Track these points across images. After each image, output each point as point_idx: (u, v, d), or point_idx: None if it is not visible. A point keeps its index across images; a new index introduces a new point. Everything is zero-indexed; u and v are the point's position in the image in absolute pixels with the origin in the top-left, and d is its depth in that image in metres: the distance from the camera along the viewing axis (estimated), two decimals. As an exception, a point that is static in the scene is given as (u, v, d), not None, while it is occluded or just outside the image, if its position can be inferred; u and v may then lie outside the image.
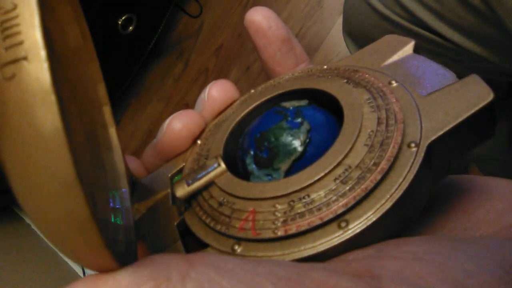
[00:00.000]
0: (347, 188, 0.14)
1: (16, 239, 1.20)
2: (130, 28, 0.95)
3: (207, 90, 0.20)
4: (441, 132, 0.15)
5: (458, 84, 0.16)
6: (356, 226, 0.14)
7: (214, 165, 0.18)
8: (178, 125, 0.19)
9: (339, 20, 0.96)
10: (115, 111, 1.21)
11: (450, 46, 0.41)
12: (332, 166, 0.15)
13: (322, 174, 0.15)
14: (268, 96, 0.20)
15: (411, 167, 0.14)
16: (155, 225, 0.19)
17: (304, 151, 0.17)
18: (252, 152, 0.18)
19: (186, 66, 1.16)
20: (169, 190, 0.19)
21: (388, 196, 0.14)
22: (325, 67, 0.21)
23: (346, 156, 0.15)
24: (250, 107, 0.20)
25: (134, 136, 1.22)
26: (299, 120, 0.18)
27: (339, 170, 0.15)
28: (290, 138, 0.17)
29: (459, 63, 0.43)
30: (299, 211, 0.15)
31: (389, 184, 0.14)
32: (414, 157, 0.14)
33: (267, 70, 0.21)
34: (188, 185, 0.17)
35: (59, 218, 0.09)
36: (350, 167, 0.15)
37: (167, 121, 0.20)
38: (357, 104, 0.17)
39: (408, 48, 0.20)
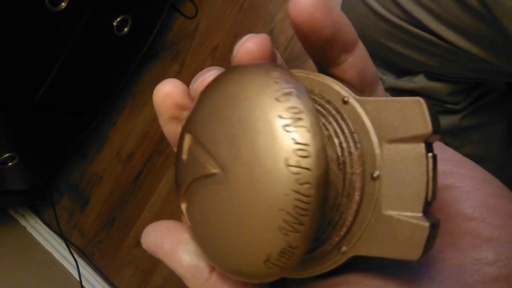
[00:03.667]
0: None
1: (12, 241, 1.19)
2: (125, 29, 0.94)
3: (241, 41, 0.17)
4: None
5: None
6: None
7: None
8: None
9: (335, 21, 0.95)
10: (111, 112, 1.20)
11: (447, 46, 0.40)
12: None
13: None
14: None
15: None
16: None
17: None
18: None
19: (181, 67, 1.15)
20: None
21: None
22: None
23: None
24: None
25: (129, 137, 1.21)
26: None
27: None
28: None
29: (456, 63, 0.43)
30: None
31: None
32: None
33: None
34: None
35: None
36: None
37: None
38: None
39: None
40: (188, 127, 0.16)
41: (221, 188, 0.14)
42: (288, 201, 0.12)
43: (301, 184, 0.12)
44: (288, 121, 0.13)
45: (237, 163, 0.13)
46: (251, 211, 0.13)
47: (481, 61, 0.40)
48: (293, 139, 0.12)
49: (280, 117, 0.13)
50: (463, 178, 0.18)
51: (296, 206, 0.12)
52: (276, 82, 0.14)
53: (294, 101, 0.13)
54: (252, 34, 0.17)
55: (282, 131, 0.13)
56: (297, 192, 0.12)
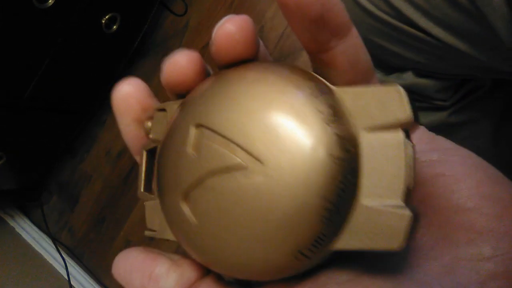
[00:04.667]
0: None
1: (0, 242, 1.18)
2: (114, 27, 0.94)
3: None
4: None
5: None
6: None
7: None
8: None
9: (325, 19, 0.95)
10: (100, 111, 1.19)
11: (435, 43, 0.41)
12: None
13: None
14: None
15: None
16: None
17: None
18: None
19: (171, 65, 1.15)
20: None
21: None
22: None
23: None
24: None
25: (119, 136, 1.20)
26: None
27: None
28: None
29: (444, 60, 0.43)
30: None
31: None
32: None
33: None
34: None
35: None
36: None
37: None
38: None
39: None
40: (190, 120, 0.15)
41: (254, 179, 0.14)
42: (332, 190, 0.13)
43: (342, 173, 0.13)
44: (329, 117, 0.14)
45: (278, 154, 0.14)
46: (292, 200, 0.13)
47: (469, 58, 0.40)
48: (336, 133, 0.14)
49: (321, 112, 0.14)
50: (453, 166, 0.16)
51: (338, 195, 0.13)
52: (307, 79, 0.15)
53: (330, 98, 0.14)
54: (232, 15, 0.15)
55: (325, 125, 0.14)
56: (339, 181, 0.13)
